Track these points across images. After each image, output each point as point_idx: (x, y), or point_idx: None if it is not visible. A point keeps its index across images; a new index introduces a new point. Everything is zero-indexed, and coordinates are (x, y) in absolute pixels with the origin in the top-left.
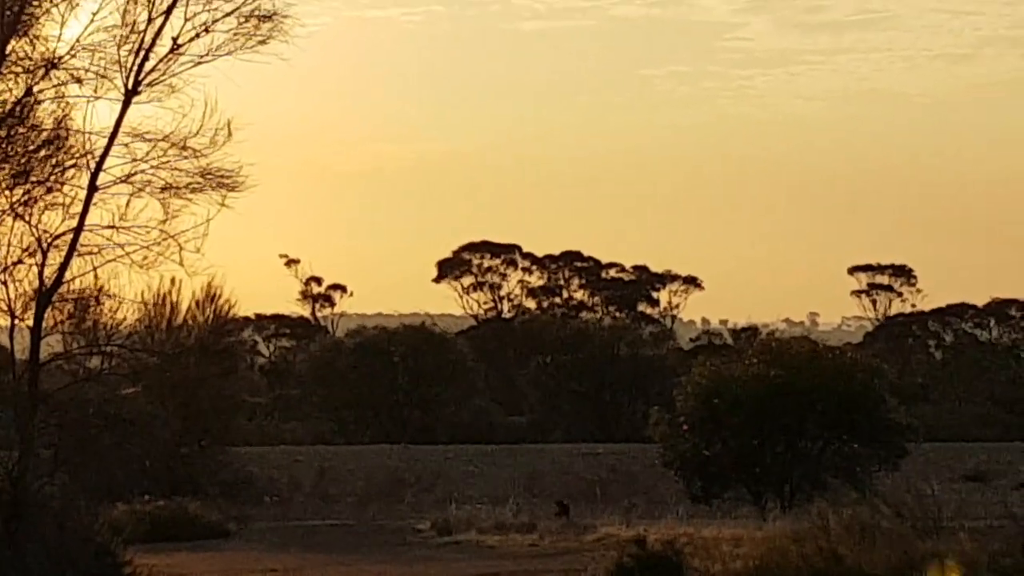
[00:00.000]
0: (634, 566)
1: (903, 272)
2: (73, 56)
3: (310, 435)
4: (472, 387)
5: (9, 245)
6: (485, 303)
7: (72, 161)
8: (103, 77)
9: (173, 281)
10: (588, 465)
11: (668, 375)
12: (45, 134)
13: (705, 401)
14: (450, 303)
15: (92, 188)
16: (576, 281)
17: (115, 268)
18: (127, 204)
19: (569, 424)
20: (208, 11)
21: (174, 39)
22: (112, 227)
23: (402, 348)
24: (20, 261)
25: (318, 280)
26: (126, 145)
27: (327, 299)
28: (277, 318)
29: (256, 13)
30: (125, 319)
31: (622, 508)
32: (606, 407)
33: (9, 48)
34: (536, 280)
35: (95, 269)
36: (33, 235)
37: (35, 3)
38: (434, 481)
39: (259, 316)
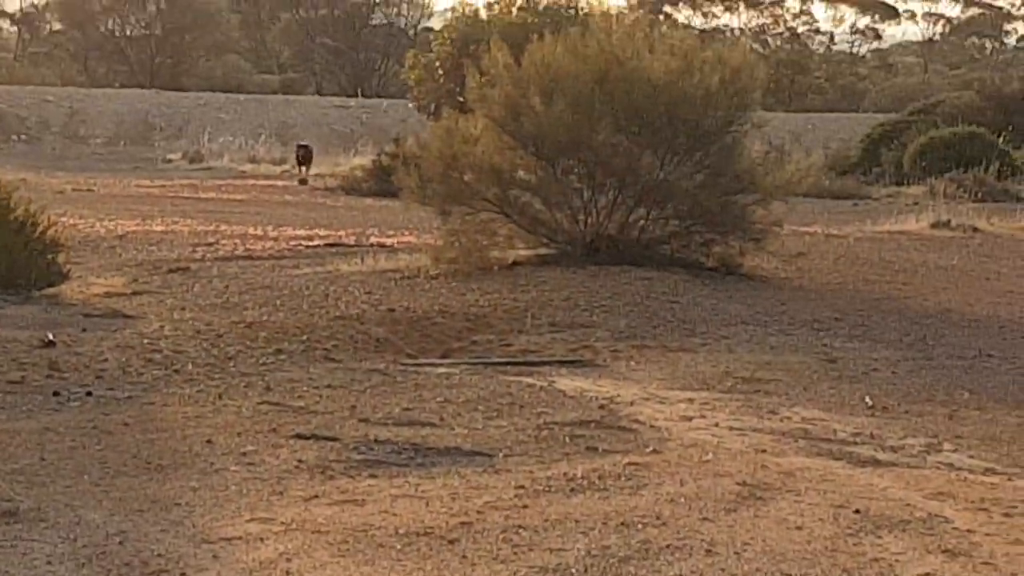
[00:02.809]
0: (390, 162)
1: None
2: None
3: (60, 78)
4: (226, 40)
5: None
6: None
7: None
8: None
9: None
10: (340, 117)
11: (424, 39)
12: None
13: (461, 46)
14: None
15: None
16: None
17: None
18: None
19: (321, 82)
20: None
21: None
22: None
23: None
24: None
25: None
26: None
27: None
28: None
29: None
30: None
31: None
32: (359, 66)
33: None
34: None
35: None
36: None
37: None
38: (184, 126)
39: None
